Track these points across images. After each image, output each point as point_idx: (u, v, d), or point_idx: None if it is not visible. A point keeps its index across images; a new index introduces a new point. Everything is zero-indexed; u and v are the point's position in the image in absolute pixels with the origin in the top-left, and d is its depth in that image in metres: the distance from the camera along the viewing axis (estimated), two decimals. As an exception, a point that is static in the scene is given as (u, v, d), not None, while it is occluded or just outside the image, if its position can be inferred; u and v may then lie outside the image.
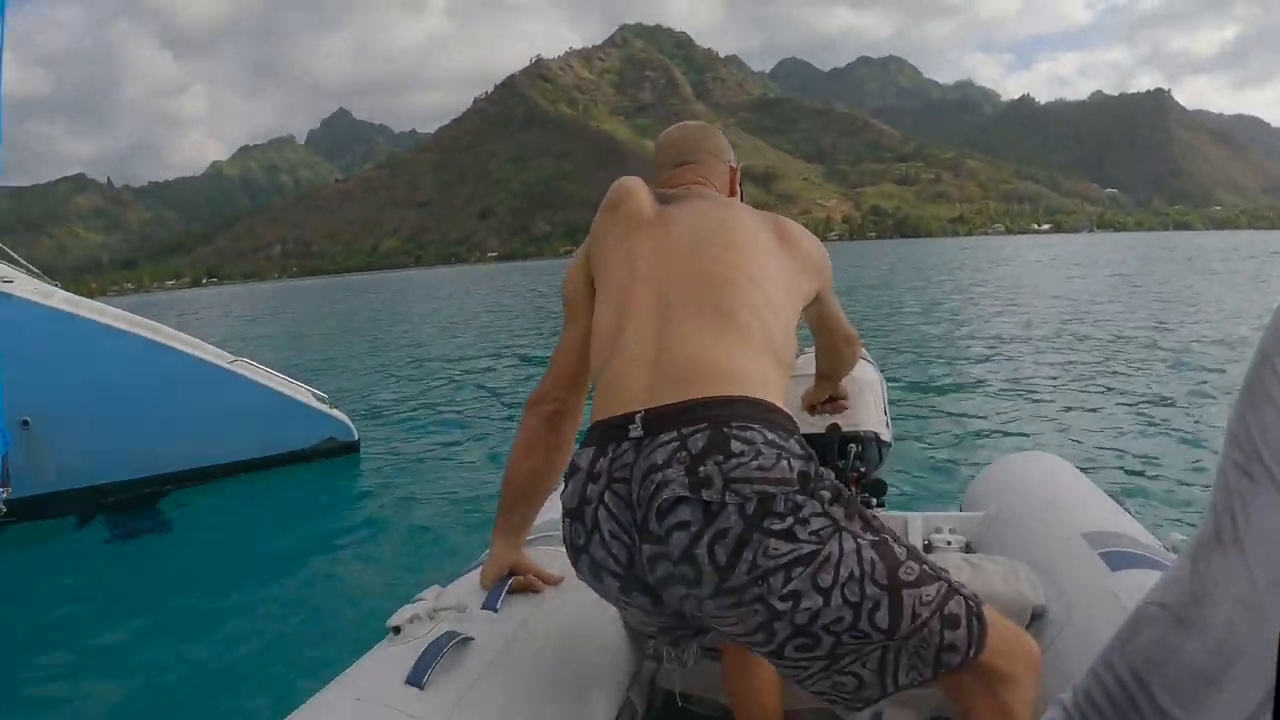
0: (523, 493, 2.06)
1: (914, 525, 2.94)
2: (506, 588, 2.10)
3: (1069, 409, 9.94)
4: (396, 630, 1.89)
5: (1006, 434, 8.83)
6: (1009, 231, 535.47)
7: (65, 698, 4.42)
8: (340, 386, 14.65)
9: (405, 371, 17.36)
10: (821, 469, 1.56)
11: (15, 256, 8.92)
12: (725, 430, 1.50)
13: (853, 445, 2.89)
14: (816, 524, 1.48)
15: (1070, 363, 13.36)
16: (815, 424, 2.86)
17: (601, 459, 1.60)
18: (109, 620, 5.32)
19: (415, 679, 1.69)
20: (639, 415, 1.58)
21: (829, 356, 2.49)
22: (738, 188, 2.26)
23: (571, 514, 1.64)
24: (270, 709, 1.93)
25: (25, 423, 7.61)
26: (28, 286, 8.47)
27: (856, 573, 1.48)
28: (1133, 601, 1.82)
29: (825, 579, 1.46)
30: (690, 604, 1.54)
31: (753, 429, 1.51)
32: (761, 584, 1.46)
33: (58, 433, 7.88)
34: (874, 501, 2.91)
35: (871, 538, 1.53)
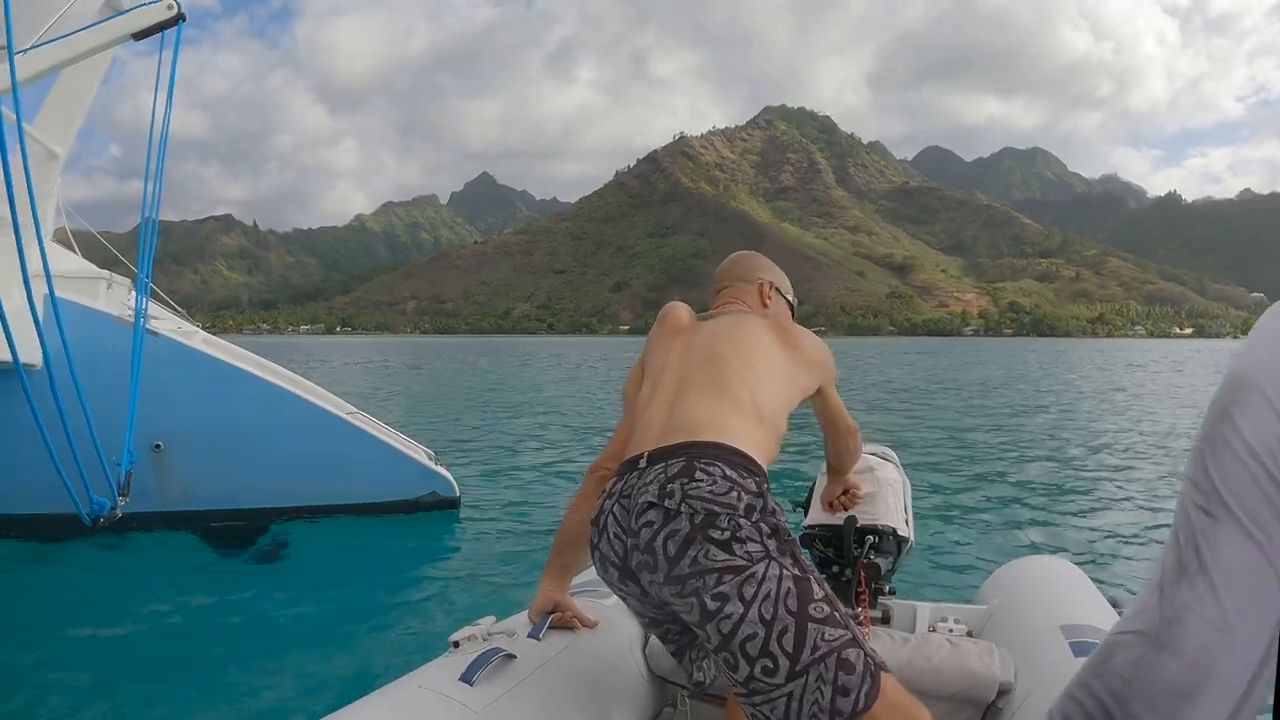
0: (571, 540, 2.55)
1: (922, 612, 3.21)
2: (549, 622, 2.52)
3: (1128, 517, 10.31)
4: (455, 644, 2.36)
5: (1043, 537, 9.16)
6: (1150, 334, 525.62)
7: (175, 684, 5.20)
8: (452, 444, 15.49)
9: (516, 435, 17.99)
10: (776, 506, 2.06)
11: (165, 298, 9.98)
12: (695, 463, 2.05)
13: (870, 537, 3.20)
14: (751, 547, 1.93)
15: (1141, 465, 13.74)
16: (837, 517, 3.20)
17: (618, 484, 2.20)
18: (210, 621, 6.39)
19: (467, 677, 2.13)
20: (647, 453, 2.18)
21: (833, 447, 2.89)
22: (767, 299, 2.77)
23: (593, 521, 2.24)
24: (349, 698, 2.01)
25: (158, 446, 8.42)
26: (171, 326, 9.32)
27: (773, 594, 1.88)
28: None
29: (748, 591, 1.88)
30: (655, 588, 2.07)
31: (717, 465, 2.05)
32: (699, 579, 1.92)
33: (186, 459, 8.64)
34: (886, 588, 3.28)
35: (796, 573, 1.94)
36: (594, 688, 2.49)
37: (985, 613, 3.24)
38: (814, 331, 2.54)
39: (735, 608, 1.89)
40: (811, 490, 3.38)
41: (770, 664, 1.86)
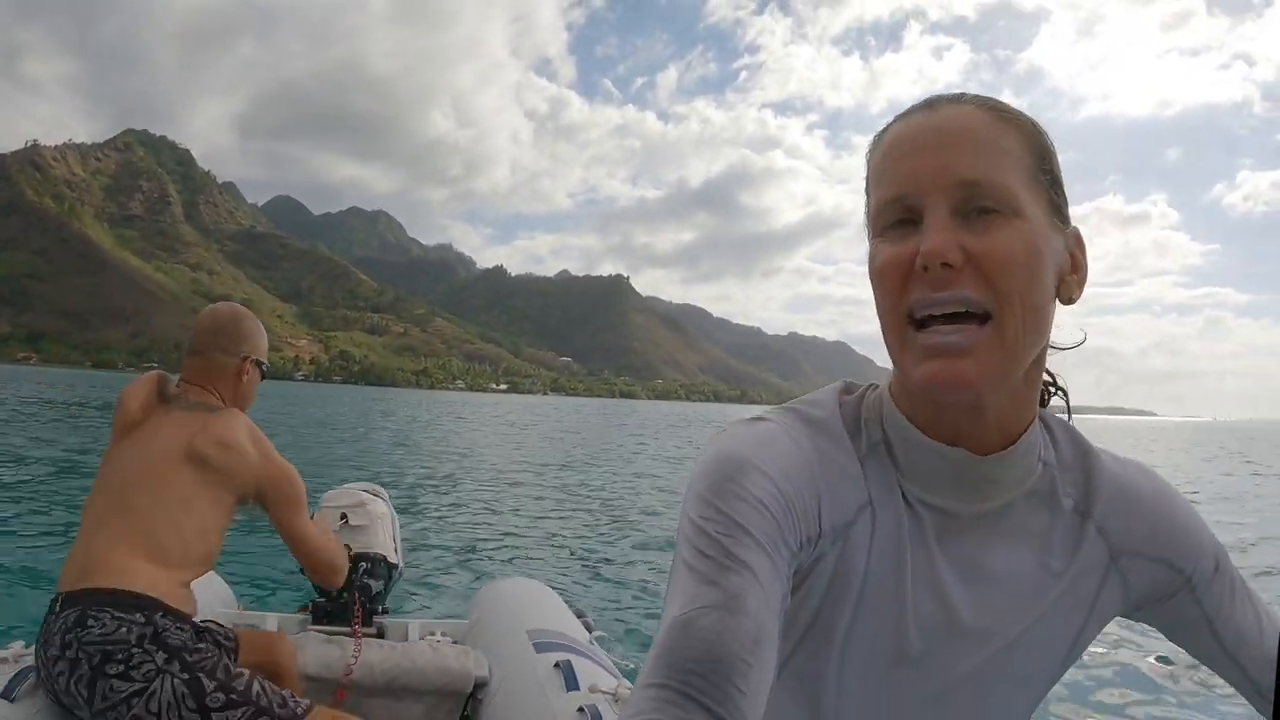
0: None
1: (414, 627, 3.64)
2: None
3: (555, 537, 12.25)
4: None
5: (518, 562, 10.45)
6: (469, 389, 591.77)
7: None
8: None
9: None
10: (168, 625, 2.41)
11: None
12: (87, 611, 2.38)
13: (363, 563, 3.60)
14: (146, 668, 2.32)
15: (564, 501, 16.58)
16: None
17: (43, 626, 2.47)
18: None
19: (8, 694, 2.42)
20: (61, 597, 2.46)
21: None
22: (244, 376, 2.92)
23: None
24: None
25: None
26: None
27: (172, 701, 2.30)
28: (543, 669, 2.91)
29: (153, 706, 2.29)
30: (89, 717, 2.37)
31: (105, 611, 2.37)
32: (114, 710, 2.30)
33: None
34: (380, 608, 3.73)
35: (185, 677, 2.34)
36: None
37: (468, 625, 3.72)
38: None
39: None
40: None
41: None
